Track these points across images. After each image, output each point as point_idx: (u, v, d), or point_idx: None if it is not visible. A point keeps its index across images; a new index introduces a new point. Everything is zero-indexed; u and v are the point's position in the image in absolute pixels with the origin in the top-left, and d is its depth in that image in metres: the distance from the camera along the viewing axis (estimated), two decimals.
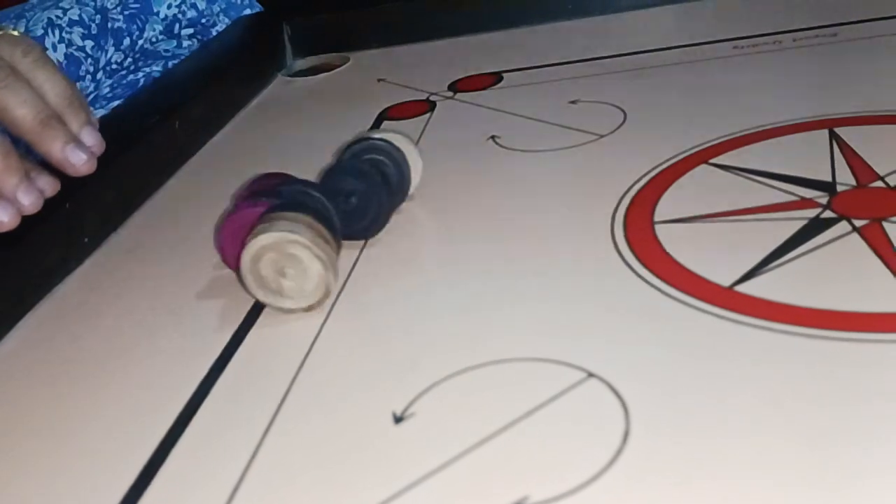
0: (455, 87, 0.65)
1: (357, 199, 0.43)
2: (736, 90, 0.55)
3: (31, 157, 0.46)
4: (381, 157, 0.46)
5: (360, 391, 0.34)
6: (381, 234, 0.45)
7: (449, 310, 0.38)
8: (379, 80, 0.69)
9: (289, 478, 0.31)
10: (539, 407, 0.31)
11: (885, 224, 0.38)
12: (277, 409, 0.34)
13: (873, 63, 0.55)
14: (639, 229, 0.42)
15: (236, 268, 0.40)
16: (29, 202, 0.43)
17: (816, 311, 0.33)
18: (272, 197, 0.41)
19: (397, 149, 0.46)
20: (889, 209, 0.39)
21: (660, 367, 0.32)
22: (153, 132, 0.59)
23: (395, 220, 0.47)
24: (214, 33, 0.80)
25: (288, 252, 0.38)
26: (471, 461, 0.30)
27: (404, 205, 0.47)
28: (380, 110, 0.63)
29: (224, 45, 0.77)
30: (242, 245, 0.39)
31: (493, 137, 0.55)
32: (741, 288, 0.36)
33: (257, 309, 0.41)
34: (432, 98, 0.63)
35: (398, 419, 0.32)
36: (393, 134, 0.48)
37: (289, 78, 0.74)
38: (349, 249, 0.44)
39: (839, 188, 0.41)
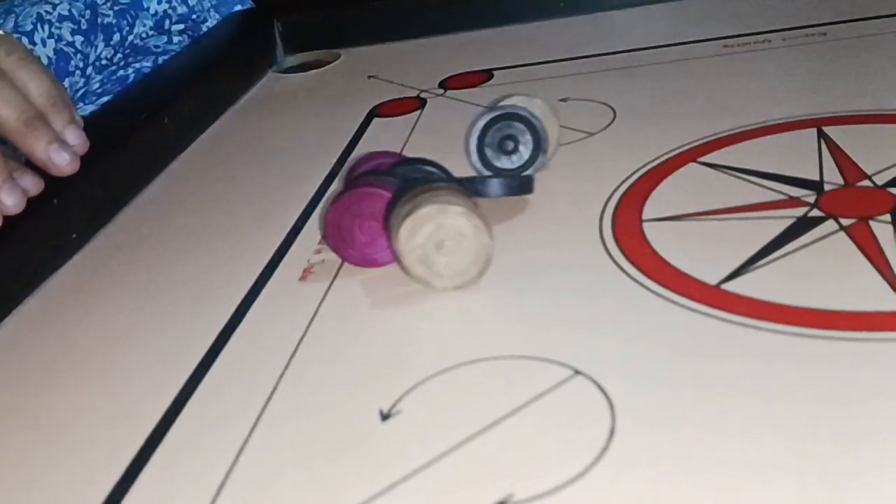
0: (446, 84, 0.65)
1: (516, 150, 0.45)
2: (725, 89, 0.55)
3: (15, 155, 0.46)
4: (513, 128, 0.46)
5: (346, 389, 0.34)
6: None
7: (433, 305, 0.38)
8: (370, 77, 0.69)
9: (275, 475, 0.31)
10: (525, 404, 0.31)
11: (871, 223, 0.38)
12: (264, 407, 0.34)
13: (862, 62, 0.55)
14: (627, 227, 0.42)
15: (350, 251, 0.40)
16: (12, 202, 0.43)
17: (803, 309, 0.33)
18: (386, 176, 0.41)
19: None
20: (876, 208, 0.39)
21: (646, 365, 0.33)
22: (142, 128, 0.58)
23: None
24: (205, 29, 0.80)
25: (449, 224, 0.37)
26: (456, 458, 0.30)
27: None
28: (370, 107, 0.63)
29: (214, 42, 0.76)
30: (384, 223, 0.38)
31: None
32: (728, 286, 0.36)
33: (244, 306, 0.41)
34: (423, 95, 0.63)
35: (385, 416, 0.32)
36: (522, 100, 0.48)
37: (280, 74, 0.74)
38: None
39: (827, 187, 0.41)
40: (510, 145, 0.46)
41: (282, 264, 0.44)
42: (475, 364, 0.34)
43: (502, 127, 0.46)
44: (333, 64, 0.74)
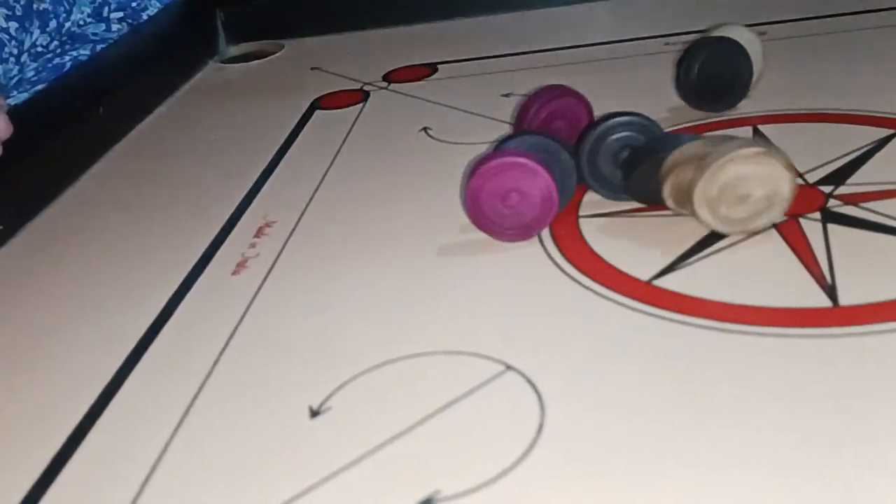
0: (389, 77, 0.64)
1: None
2: (665, 86, 0.56)
3: None
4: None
5: (276, 385, 0.34)
6: (301, 227, 0.45)
7: (367, 301, 0.38)
8: (313, 69, 0.68)
9: (199, 472, 0.30)
10: (456, 400, 0.31)
11: (802, 220, 0.38)
12: (191, 403, 0.33)
13: (799, 62, 0.56)
14: (564, 224, 0.42)
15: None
16: None
17: (731, 305, 0.34)
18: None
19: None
20: (807, 206, 0.39)
21: (577, 360, 0.33)
22: (76, 118, 0.57)
23: (318, 209, 0.46)
24: (145, 17, 0.78)
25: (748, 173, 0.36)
26: (386, 455, 0.29)
27: (326, 194, 0.47)
28: (313, 99, 0.62)
29: (154, 30, 0.75)
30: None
31: (425, 129, 0.55)
32: (660, 282, 0.36)
33: (175, 301, 0.40)
34: (366, 88, 0.63)
35: (314, 413, 0.32)
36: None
37: (221, 64, 0.73)
38: (275, 238, 0.44)
39: None
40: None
41: (215, 258, 0.43)
42: (407, 360, 0.34)
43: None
44: (277, 55, 0.73)
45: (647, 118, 0.42)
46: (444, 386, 0.32)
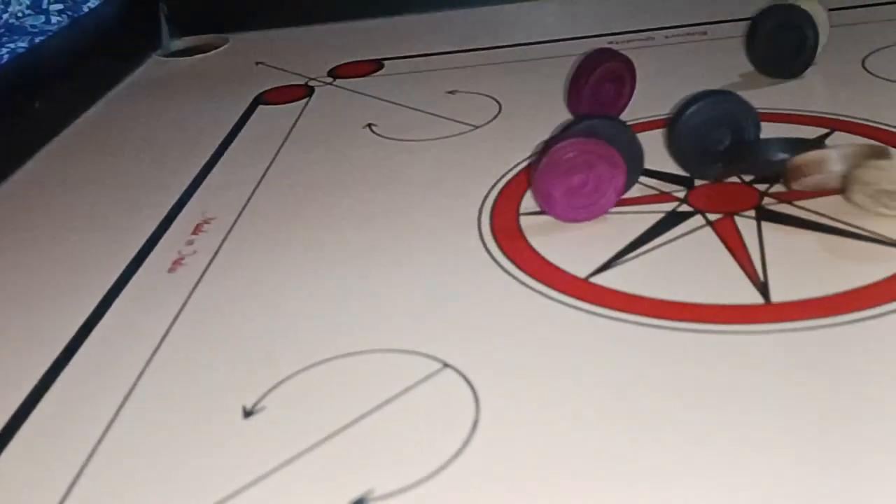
0: (335, 73, 0.64)
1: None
2: None
3: None
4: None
5: (210, 385, 0.33)
6: (240, 224, 0.44)
7: (306, 299, 0.38)
8: (257, 63, 0.67)
9: (129, 474, 0.29)
10: (392, 399, 0.31)
11: (736, 218, 0.39)
12: (122, 403, 0.33)
13: (741, 62, 0.57)
14: (504, 220, 0.42)
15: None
16: None
17: (666, 302, 0.34)
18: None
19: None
20: (742, 204, 0.40)
21: (513, 358, 0.33)
22: (12, 112, 0.56)
23: (258, 206, 0.46)
24: (86, 10, 0.76)
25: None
26: (319, 455, 0.29)
27: (267, 191, 0.47)
28: (256, 94, 0.61)
29: (95, 23, 0.73)
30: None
31: (369, 125, 0.54)
32: (597, 279, 0.36)
33: (109, 299, 0.39)
34: (311, 83, 0.62)
35: (248, 413, 0.31)
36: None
37: (164, 58, 0.72)
38: (213, 235, 0.43)
39: (697, 183, 0.42)
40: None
41: (151, 256, 0.42)
42: (344, 359, 0.34)
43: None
44: (221, 49, 0.72)
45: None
46: (380, 384, 0.32)
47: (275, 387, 0.32)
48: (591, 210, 0.40)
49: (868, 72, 0.52)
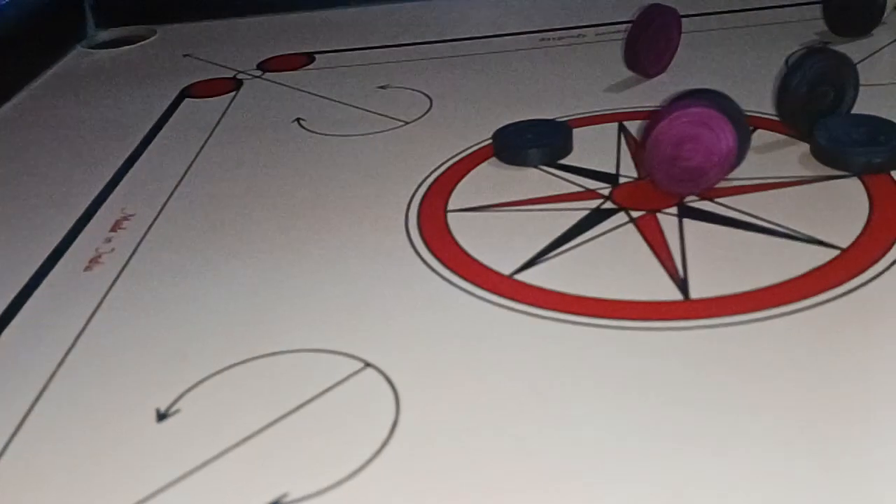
0: (265, 66, 0.63)
1: None
2: (540, 82, 0.56)
3: None
4: None
5: (123, 387, 0.32)
6: (161, 221, 0.43)
7: (227, 299, 0.37)
8: (185, 56, 0.66)
9: (38, 479, 0.28)
10: (310, 400, 0.31)
11: (659, 216, 0.39)
12: (32, 404, 0.32)
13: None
14: (432, 217, 0.42)
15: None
16: None
17: (588, 299, 0.34)
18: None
19: None
20: (665, 201, 0.40)
21: (436, 357, 0.32)
22: None
23: (180, 202, 0.45)
24: None
25: None
26: (233, 458, 0.28)
27: (190, 187, 0.46)
28: (183, 87, 0.60)
29: (17, 12, 0.71)
30: None
31: (298, 120, 0.54)
32: (521, 276, 0.36)
33: (21, 298, 0.38)
34: (239, 76, 0.61)
35: (162, 416, 0.31)
36: None
37: (89, 50, 0.70)
38: (133, 232, 0.42)
39: (622, 180, 0.43)
40: None
41: (67, 253, 0.41)
42: (263, 359, 0.33)
43: None
44: (148, 41, 0.70)
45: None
46: (299, 385, 0.31)
47: (190, 388, 0.32)
48: (698, 183, 0.40)
49: None
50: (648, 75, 0.54)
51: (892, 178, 0.40)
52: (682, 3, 0.56)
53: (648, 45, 0.54)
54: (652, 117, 0.40)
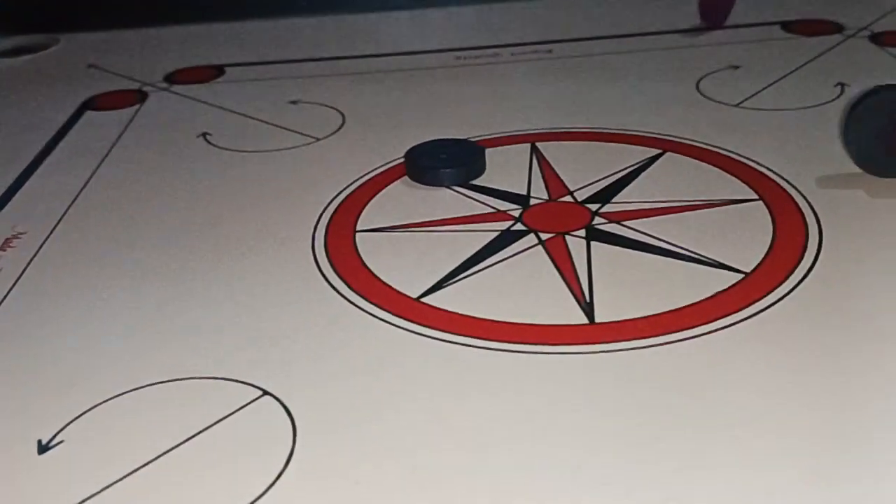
0: (172, 78, 0.61)
1: None
2: (454, 100, 0.56)
3: None
4: None
5: (3, 416, 0.30)
6: (54, 239, 0.41)
7: (118, 323, 0.35)
8: (89, 66, 0.64)
9: None
10: (202, 431, 0.29)
11: (568, 238, 0.39)
12: None
13: (581, 81, 0.58)
14: (339, 238, 0.41)
15: None
16: None
17: (495, 322, 0.34)
18: None
19: None
20: (574, 223, 0.40)
21: (337, 383, 0.31)
22: None
23: (76, 220, 0.43)
24: None
25: None
26: (119, 492, 0.27)
27: (87, 203, 0.44)
28: (85, 98, 0.58)
29: None
30: None
31: (204, 134, 0.52)
32: (428, 299, 0.35)
33: None
34: (145, 88, 0.59)
35: (44, 448, 0.29)
36: None
37: None
38: (22, 251, 0.40)
39: (532, 202, 0.42)
40: None
41: None
42: (155, 387, 0.31)
43: None
44: (50, 49, 0.67)
45: None
46: (192, 415, 0.30)
47: (76, 418, 0.30)
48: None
49: (701, 94, 0.54)
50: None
51: (794, 201, 0.41)
52: None
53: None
54: None
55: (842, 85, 0.53)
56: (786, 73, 0.56)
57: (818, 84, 0.54)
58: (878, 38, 0.61)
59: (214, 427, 0.29)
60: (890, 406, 0.29)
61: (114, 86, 0.59)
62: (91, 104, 0.57)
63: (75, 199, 0.45)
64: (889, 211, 0.40)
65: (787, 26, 0.64)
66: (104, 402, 0.31)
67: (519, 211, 0.41)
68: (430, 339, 0.33)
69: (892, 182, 0.42)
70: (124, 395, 0.31)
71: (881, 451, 0.27)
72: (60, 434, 0.29)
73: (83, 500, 0.27)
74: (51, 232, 0.42)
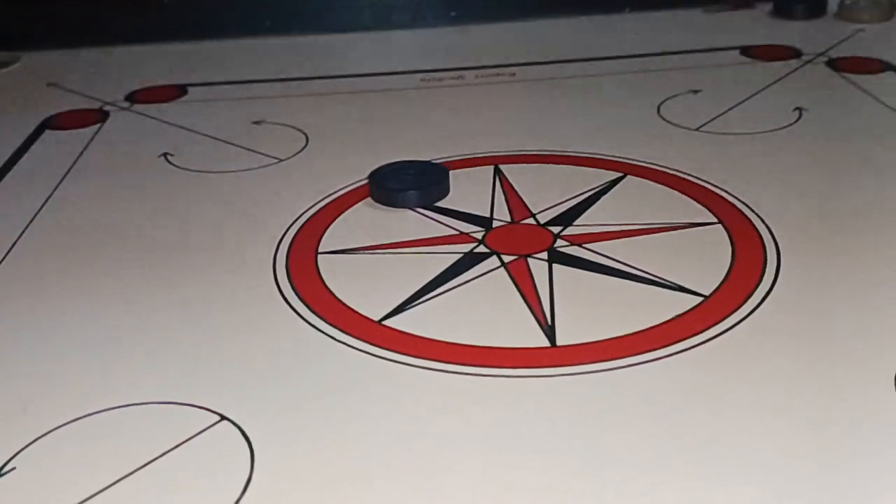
0: (134, 97, 0.60)
1: None
2: (418, 122, 0.56)
3: None
4: None
5: None
6: (7, 263, 0.41)
7: (74, 346, 0.35)
8: (49, 85, 0.63)
9: None
10: (158, 457, 0.29)
11: (530, 260, 0.39)
12: None
13: (545, 104, 0.58)
14: (301, 259, 0.40)
15: None
16: None
17: (456, 345, 0.34)
18: None
19: None
20: (536, 246, 0.40)
21: (296, 408, 0.31)
22: None
23: (31, 242, 0.42)
24: None
25: None
26: None
27: (44, 225, 0.43)
28: (44, 117, 0.57)
29: None
30: None
31: (165, 155, 0.51)
32: (390, 322, 0.35)
33: None
34: (106, 108, 0.59)
35: None
36: None
37: None
38: None
39: (495, 224, 0.42)
40: None
41: None
42: (109, 412, 0.31)
43: None
44: (10, 67, 0.66)
45: None
46: (148, 441, 0.29)
47: (27, 445, 0.29)
48: None
49: (662, 118, 0.55)
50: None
51: (753, 225, 0.42)
52: None
53: None
54: None
55: (800, 109, 0.54)
56: (745, 98, 0.57)
57: (777, 108, 0.55)
58: (835, 64, 0.62)
59: (171, 453, 0.29)
60: (847, 427, 0.29)
61: (74, 105, 0.59)
62: (50, 123, 0.56)
63: (32, 219, 0.44)
64: (846, 235, 0.41)
65: (746, 51, 0.66)
66: (58, 427, 0.30)
67: (482, 233, 0.42)
68: (391, 363, 0.33)
69: (850, 207, 0.43)
70: (79, 421, 0.30)
71: (842, 473, 0.27)
72: (13, 461, 0.29)
73: None
74: (6, 254, 0.41)
